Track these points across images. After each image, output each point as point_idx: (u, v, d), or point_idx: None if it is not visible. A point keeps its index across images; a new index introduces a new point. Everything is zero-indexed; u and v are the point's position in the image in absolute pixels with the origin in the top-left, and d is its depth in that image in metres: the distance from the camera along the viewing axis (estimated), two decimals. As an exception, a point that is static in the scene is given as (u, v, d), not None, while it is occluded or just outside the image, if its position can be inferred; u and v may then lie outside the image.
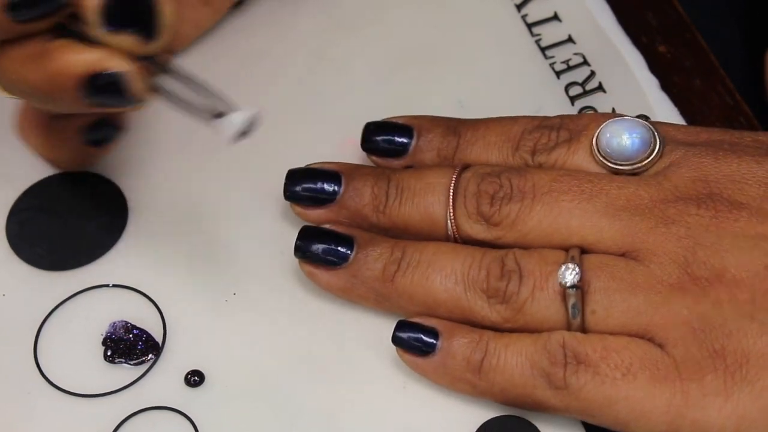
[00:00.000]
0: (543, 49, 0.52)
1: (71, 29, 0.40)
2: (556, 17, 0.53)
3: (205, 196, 0.48)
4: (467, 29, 0.53)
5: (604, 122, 0.43)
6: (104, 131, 0.46)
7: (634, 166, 0.43)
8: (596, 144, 0.43)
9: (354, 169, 0.46)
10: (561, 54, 0.52)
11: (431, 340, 0.42)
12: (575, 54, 0.52)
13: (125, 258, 0.47)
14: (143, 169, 0.49)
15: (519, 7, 0.53)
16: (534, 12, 0.53)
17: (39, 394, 0.44)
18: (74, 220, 0.48)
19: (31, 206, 0.48)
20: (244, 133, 0.40)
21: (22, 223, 0.48)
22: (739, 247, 0.40)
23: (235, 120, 0.40)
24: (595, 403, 0.40)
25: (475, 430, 0.43)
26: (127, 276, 0.46)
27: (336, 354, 0.44)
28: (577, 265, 0.41)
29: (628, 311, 0.40)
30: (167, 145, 0.50)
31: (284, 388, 0.44)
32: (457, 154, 0.46)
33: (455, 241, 0.44)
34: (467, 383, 0.42)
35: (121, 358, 0.44)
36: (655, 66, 0.51)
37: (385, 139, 0.46)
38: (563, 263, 0.41)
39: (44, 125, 0.46)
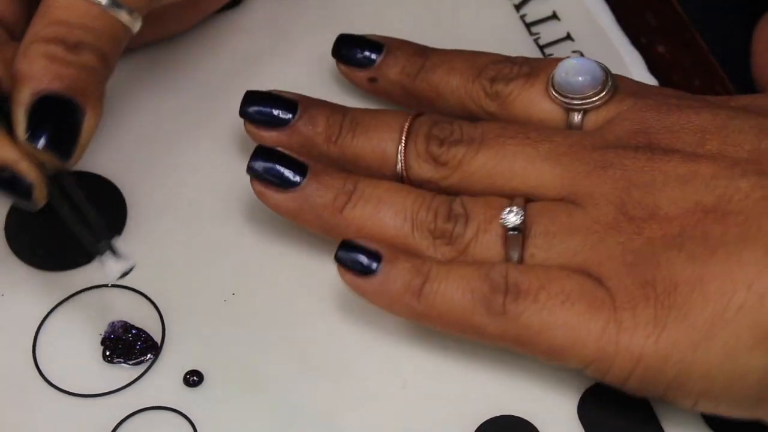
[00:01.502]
0: (542, 48, 0.52)
1: None
2: (554, 17, 0.53)
3: (205, 196, 0.48)
4: (466, 29, 0.53)
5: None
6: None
7: (583, 101, 0.44)
8: (552, 79, 0.45)
9: (312, 100, 0.47)
10: (559, 52, 0.52)
11: (373, 262, 0.43)
12: (573, 52, 0.52)
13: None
14: (143, 169, 0.49)
15: (518, 7, 0.53)
16: (533, 12, 0.53)
17: (38, 394, 0.44)
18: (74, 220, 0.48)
19: (30, 206, 0.48)
20: (119, 277, 0.45)
21: (22, 223, 0.48)
22: (671, 186, 0.41)
23: (113, 269, 0.45)
24: (532, 330, 0.41)
25: (475, 429, 0.43)
26: (127, 276, 0.46)
27: (336, 354, 0.44)
28: (521, 210, 0.42)
29: (566, 252, 0.41)
30: (167, 145, 0.50)
31: (284, 388, 0.44)
32: (420, 74, 0.47)
33: (402, 179, 0.45)
34: (406, 306, 0.42)
35: (120, 358, 0.44)
36: (654, 66, 0.51)
37: (355, 50, 0.48)
38: (507, 207, 0.42)
39: None
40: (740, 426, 0.42)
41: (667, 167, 0.41)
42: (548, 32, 0.52)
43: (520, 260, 0.42)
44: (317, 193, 0.44)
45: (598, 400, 0.43)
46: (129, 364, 0.44)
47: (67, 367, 0.44)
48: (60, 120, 0.41)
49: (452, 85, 0.47)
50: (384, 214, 0.44)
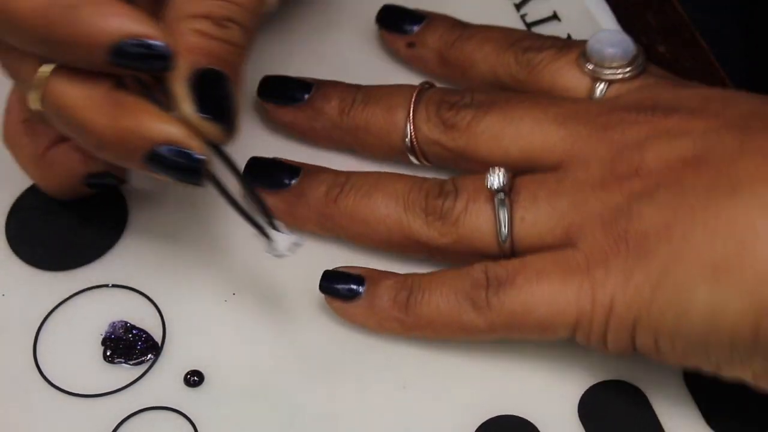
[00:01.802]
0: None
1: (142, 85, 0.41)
2: (555, 17, 0.53)
3: (205, 197, 0.48)
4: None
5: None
6: (107, 179, 0.46)
7: (611, 72, 0.45)
8: (584, 49, 0.46)
9: (327, 82, 0.48)
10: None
11: (357, 286, 0.44)
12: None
13: (125, 258, 0.47)
14: (143, 169, 0.49)
15: (518, 6, 0.53)
16: (533, 12, 0.53)
17: (38, 394, 0.44)
18: (74, 220, 0.48)
19: (31, 206, 0.48)
20: (282, 256, 0.42)
21: (22, 223, 0.48)
22: (661, 143, 0.41)
23: (283, 243, 0.42)
24: (516, 313, 0.41)
25: (475, 430, 0.43)
26: (127, 276, 0.46)
27: (336, 354, 0.44)
28: (505, 172, 0.42)
29: (553, 215, 0.42)
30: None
31: (284, 388, 0.44)
32: (456, 42, 0.48)
33: (411, 144, 0.46)
34: (395, 321, 0.43)
35: (121, 358, 0.44)
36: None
37: (398, 19, 0.50)
38: (492, 171, 0.43)
39: (40, 155, 0.45)
40: (740, 425, 0.42)
41: (662, 126, 0.42)
42: (548, 32, 0.52)
43: (510, 227, 0.42)
44: (310, 188, 0.45)
45: (598, 400, 0.43)
46: (129, 364, 0.44)
47: (67, 367, 0.44)
48: (221, 93, 0.41)
49: (485, 51, 0.48)
50: (376, 198, 0.45)
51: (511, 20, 0.53)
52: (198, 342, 0.45)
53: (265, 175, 0.46)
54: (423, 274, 0.44)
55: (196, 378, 0.44)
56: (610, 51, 0.45)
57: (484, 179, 0.43)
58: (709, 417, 0.42)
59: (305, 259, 0.45)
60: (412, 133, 0.46)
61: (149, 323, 0.45)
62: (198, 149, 0.40)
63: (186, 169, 0.40)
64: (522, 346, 0.44)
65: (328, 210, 0.45)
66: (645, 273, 0.39)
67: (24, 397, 0.44)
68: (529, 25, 0.52)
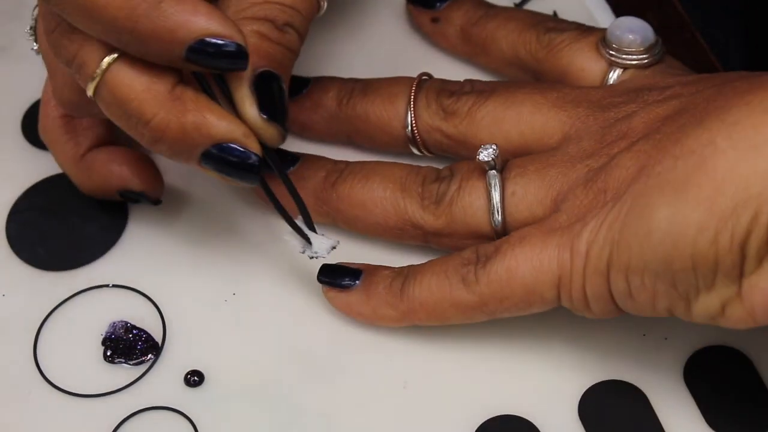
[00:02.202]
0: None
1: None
2: (555, 17, 0.53)
3: (205, 197, 0.48)
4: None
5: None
6: (140, 198, 0.47)
7: (627, 57, 0.46)
8: (603, 35, 0.46)
9: (325, 77, 0.48)
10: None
11: (354, 278, 0.44)
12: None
13: (125, 258, 0.47)
14: (143, 169, 0.49)
15: (518, 6, 0.53)
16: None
17: (39, 394, 0.44)
18: (74, 220, 0.48)
19: (31, 206, 0.48)
20: (318, 257, 0.43)
21: (22, 223, 0.48)
22: (648, 109, 0.42)
23: (321, 245, 0.43)
24: (503, 281, 0.41)
25: (475, 430, 0.43)
26: (127, 276, 0.46)
27: (336, 354, 0.44)
28: (494, 146, 0.43)
29: (542, 185, 0.42)
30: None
31: (284, 388, 0.44)
32: (480, 20, 0.49)
33: (412, 133, 0.46)
34: (389, 307, 0.43)
35: (121, 358, 0.44)
36: (654, 66, 0.51)
37: None
38: (485, 148, 0.43)
39: (80, 156, 0.46)
40: (740, 425, 0.42)
41: (654, 98, 0.42)
42: (548, 32, 0.52)
43: (502, 202, 0.43)
44: (309, 173, 0.46)
45: (598, 400, 0.43)
46: (130, 364, 0.44)
47: (68, 367, 0.44)
48: (279, 96, 0.42)
49: (508, 29, 0.48)
50: (373, 182, 0.45)
51: (511, 20, 0.53)
52: (198, 342, 0.45)
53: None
54: (418, 264, 0.44)
55: (196, 378, 0.44)
56: (629, 37, 0.46)
57: (474, 161, 0.43)
58: (709, 417, 0.42)
59: (306, 259, 0.45)
60: (413, 122, 0.46)
61: (149, 323, 0.45)
62: (257, 150, 0.41)
63: (244, 168, 0.41)
64: (522, 345, 0.44)
65: (326, 194, 0.46)
66: (615, 213, 0.39)
67: (24, 397, 0.44)
68: (529, 25, 0.53)
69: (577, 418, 0.43)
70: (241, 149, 0.40)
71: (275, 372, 0.44)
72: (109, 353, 0.45)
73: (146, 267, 0.47)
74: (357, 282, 0.44)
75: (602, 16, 0.52)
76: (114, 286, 0.46)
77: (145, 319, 0.45)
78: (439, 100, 0.46)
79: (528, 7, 0.53)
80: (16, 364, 0.45)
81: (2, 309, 0.46)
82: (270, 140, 0.41)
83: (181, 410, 0.43)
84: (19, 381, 0.44)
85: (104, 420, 0.43)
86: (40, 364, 0.45)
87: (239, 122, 0.41)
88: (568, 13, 0.52)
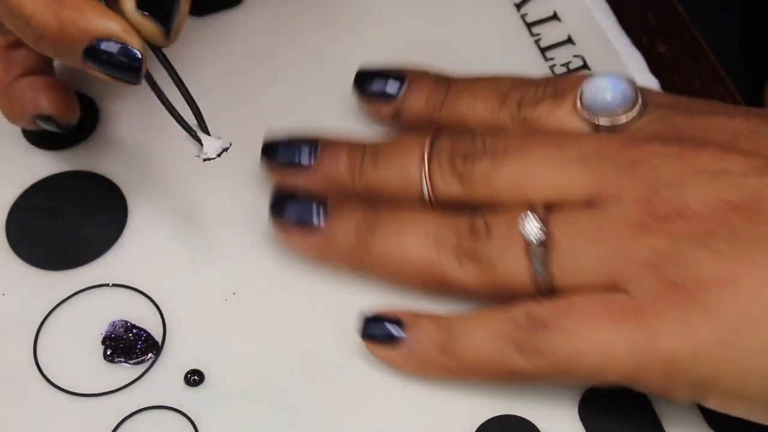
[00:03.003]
0: (543, 50, 0.52)
1: None
2: (555, 17, 0.53)
3: (205, 196, 0.48)
4: (466, 28, 0.53)
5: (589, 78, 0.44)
6: (49, 123, 0.47)
7: (615, 119, 0.43)
8: (580, 98, 0.44)
9: (332, 138, 0.47)
10: (561, 56, 0.52)
11: (397, 330, 0.43)
12: (575, 56, 0.52)
13: (125, 258, 0.47)
14: (143, 169, 0.49)
15: (518, 6, 0.53)
16: (533, 12, 0.53)
17: (39, 393, 0.44)
18: (74, 219, 0.48)
19: (31, 206, 0.48)
20: (210, 159, 0.43)
21: (22, 223, 0.48)
22: (700, 183, 0.40)
23: (210, 147, 0.43)
24: (565, 359, 0.40)
25: (475, 430, 0.43)
26: (127, 276, 0.46)
27: (336, 354, 0.44)
28: (539, 218, 0.41)
29: (593, 260, 0.41)
30: (167, 145, 0.50)
31: (284, 388, 0.44)
32: (445, 103, 0.47)
33: (430, 201, 0.44)
34: (439, 366, 0.42)
35: (121, 357, 0.44)
36: (655, 66, 0.51)
37: (377, 83, 0.48)
38: (525, 218, 0.41)
39: (7, 84, 0.47)
40: (741, 426, 0.42)
41: (696, 163, 0.41)
42: (549, 32, 0.52)
43: (547, 272, 0.41)
44: (339, 229, 0.44)
45: (599, 400, 0.43)
46: (130, 364, 0.44)
47: (67, 367, 0.44)
48: None
49: (478, 113, 0.46)
50: (407, 240, 0.43)
51: (512, 20, 0.53)
52: (198, 342, 0.45)
53: (295, 206, 0.45)
54: (462, 316, 0.42)
55: (196, 377, 0.44)
56: (608, 100, 0.43)
57: (516, 220, 0.42)
58: (709, 417, 0.42)
59: (306, 259, 0.45)
60: (430, 191, 0.44)
61: (149, 323, 0.45)
62: (138, 46, 0.40)
63: (125, 66, 0.40)
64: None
65: (359, 253, 0.44)
66: (712, 329, 0.38)
67: (24, 396, 0.44)
68: (529, 25, 0.53)
69: (578, 417, 0.43)
70: (123, 46, 0.40)
71: (275, 372, 0.44)
72: (109, 352, 0.44)
73: (146, 266, 0.47)
74: (399, 333, 0.43)
75: (602, 16, 0.52)
76: (114, 285, 0.46)
77: (145, 318, 0.45)
78: (452, 165, 0.44)
79: (528, 7, 0.53)
80: (15, 363, 0.45)
81: (2, 308, 0.46)
82: (151, 37, 0.41)
83: (181, 410, 0.43)
84: (19, 380, 0.44)
85: (104, 419, 0.43)
86: (40, 364, 0.45)
87: (119, 18, 0.40)
88: (568, 13, 0.53)
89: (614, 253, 0.40)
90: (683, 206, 0.40)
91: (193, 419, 0.43)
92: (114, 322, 0.45)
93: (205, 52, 0.52)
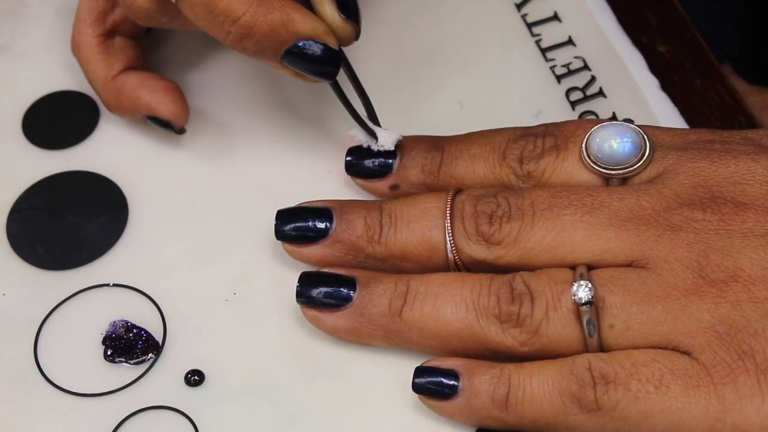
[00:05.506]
0: (543, 51, 0.52)
1: None
2: (556, 17, 0.53)
3: (205, 197, 0.49)
4: (467, 29, 0.53)
5: (591, 128, 0.43)
6: (164, 126, 0.48)
7: (626, 170, 0.43)
8: (586, 149, 0.43)
9: (344, 203, 0.45)
10: (561, 57, 0.52)
11: (452, 382, 0.41)
12: (576, 57, 0.51)
13: (125, 258, 0.47)
14: (143, 169, 0.49)
15: (519, 6, 0.53)
16: (534, 12, 0.53)
17: (39, 393, 0.44)
18: (74, 219, 0.48)
19: (31, 206, 0.48)
20: (388, 149, 0.46)
21: (22, 223, 0.48)
22: (751, 247, 0.40)
23: (386, 139, 0.46)
24: (631, 420, 0.39)
25: (475, 429, 0.43)
26: (127, 276, 0.46)
27: (336, 354, 0.44)
28: (588, 281, 0.40)
29: (648, 322, 0.40)
30: (167, 145, 0.50)
31: (284, 388, 0.44)
32: (442, 169, 0.46)
33: (455, 265, 0.43)
34: (496, 420, 0.41)
35: (121, 357, 0.44)
36: (655, 66, 0.51)
37: (368, 161, 0.47)
38: (574, 281, 0.40)
39: (111, 78, 0.48)
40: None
41: (743, 227, 0.40)
42: (549, 32, 0.52)
43: (599, 335, 0.40)
44: (371, 303, 0.43)
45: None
46: (130, 364, 0.44)
47: (68, 367, 0.44)
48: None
49: (479, 174, 0.45)
50: (444, 309, 0.42)
51: (512, 20, 0.53)
52: (198, 342, 0.45)
53: (324, 285, 0.44)
54: (520, 366, 0.41)
55: (196, 377, 0.44)
56: (616, 150, 0.42)
57: (560, 282, 0.41)
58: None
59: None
60: (455, 256, 0.43)
61: (150, 322, 0.45)
62: (335, 46, 0.42)
63: (326, 62, 0.42)
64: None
65: (394, 326, 0.43)
66: None
67: (25, 396, 0.44)
68: (529, 26, 0.53)
69: None
70: (323, 45, 0.42)
71: (275, 372, 0.44)
72: (109, 352, 0.45)
73: (146, 266, 0.47)
74: (455, 384, 0.41)
75: (603, 16, 0.52)
76: (114, 285, 0.46)
77: (145, 318, 0.45)
78: (479, 229, 0.43)
79: (528, 7, 0.53)
80: (16, 363, 0.45)
81: (2, 308, 0.46)
82: (346, 38, 0.43)
83: (181, 410, 0.43)
84: (20, 380, 0.44)
85: (104, 419, 0.43)
86: (41, 364, 0.45)
87: (321, 21, 0.42)
88: (568, 13, 0.53)
89: (672, 317, 0.40)
90: (737, 271, 0.39)
91: (193, 419, 0.43)
92: (114, 322, 0.45)
93: (205, 52, 0.52)
